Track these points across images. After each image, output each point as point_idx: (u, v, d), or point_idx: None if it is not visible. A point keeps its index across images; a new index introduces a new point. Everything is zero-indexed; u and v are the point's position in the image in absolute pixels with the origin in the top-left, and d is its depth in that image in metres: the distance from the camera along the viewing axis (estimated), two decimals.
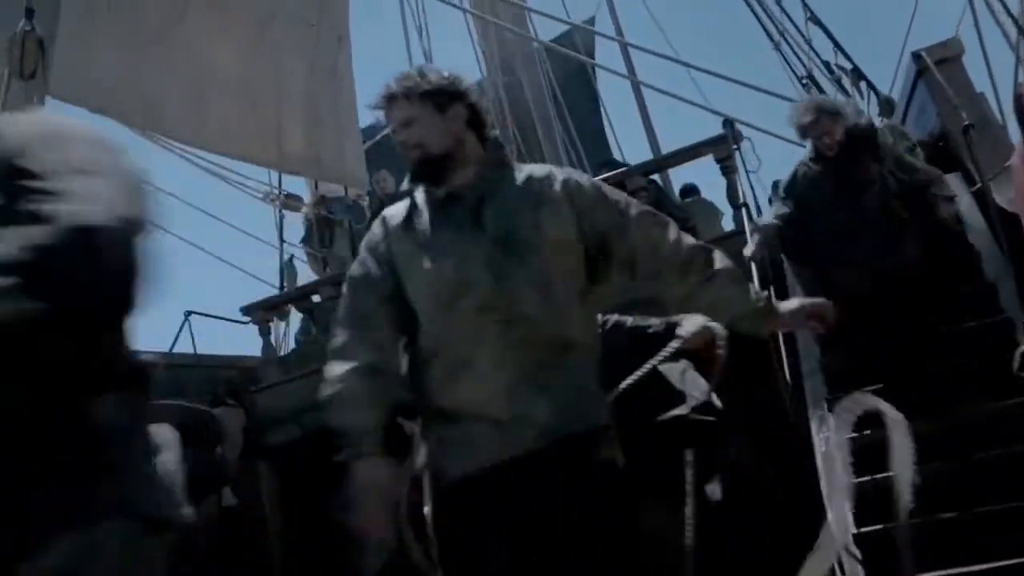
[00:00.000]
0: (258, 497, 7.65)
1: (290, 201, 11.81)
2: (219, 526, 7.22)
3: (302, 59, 12.25)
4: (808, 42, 10.29)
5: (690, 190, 10.79)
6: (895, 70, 8.36)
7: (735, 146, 6.90)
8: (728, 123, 6.64)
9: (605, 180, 8.00)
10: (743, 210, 6.26)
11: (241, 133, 11.70)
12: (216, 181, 11.40)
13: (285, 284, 11.58)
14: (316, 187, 12.20)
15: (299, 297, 8.23)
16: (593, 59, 14.55)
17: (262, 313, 8.03)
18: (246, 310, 8.08)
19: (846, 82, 9.71)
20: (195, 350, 8.01)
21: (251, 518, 7.49)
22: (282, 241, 11.74)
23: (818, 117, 4.83)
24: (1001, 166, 5.61)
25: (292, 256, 11.76)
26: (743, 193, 6.40)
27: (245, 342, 8.47)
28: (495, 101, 10.34)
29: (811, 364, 5.18)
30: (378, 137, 15.70)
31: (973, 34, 6.41)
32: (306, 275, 11.70)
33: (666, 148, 11.06)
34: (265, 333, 8.08)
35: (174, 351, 8.08)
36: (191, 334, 8.01)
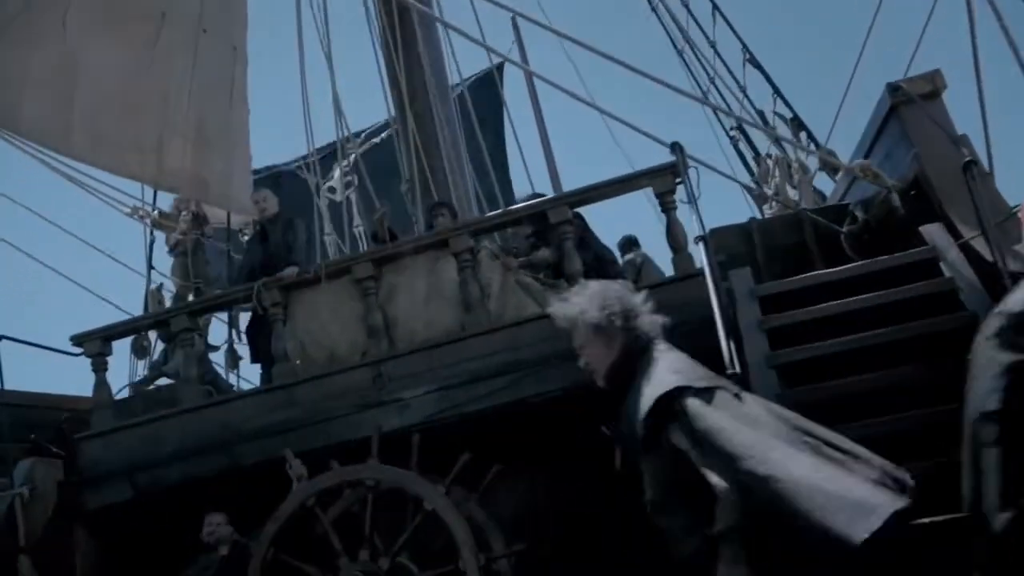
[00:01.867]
0: (70, 571, 6.15)
1: (164, 220, 10.35)
2: None
3: (193, 67, 10.91)
4: (743, 88, 9.48)
5: (630, 243, 9.56)
6: (835, 114, 7.54)
7: (680, 179, 5.88)
8: (676, 148, 5.59)
9: (527, 209, 6.94)
10: (702, 244, 5.19)
11: (115, 143, 10.26)
12: (75, 193, 9.82)
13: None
14: (196, 206, 10.76)
15: (141, 327, 6.86)
16: (503, 104, 13.68)
17: (97, 344, 6.60)
18: (77, 339, 6.64)
19: (785, 131, 8.90)
20: (1, 384, 6.49)
21: None
22: (150, 266, 10.26)
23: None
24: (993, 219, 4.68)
25: (161, 284, 10.25)
26: (699, 224, 5.34)
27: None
28: (405, 138, 9.13)
29: None
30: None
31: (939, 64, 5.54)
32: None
33: None
34: (99, 368, 6.65)
35: None
36: None
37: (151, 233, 10.30)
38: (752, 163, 9.64)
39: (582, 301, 2.95)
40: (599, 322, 2.89)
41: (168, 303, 10.20)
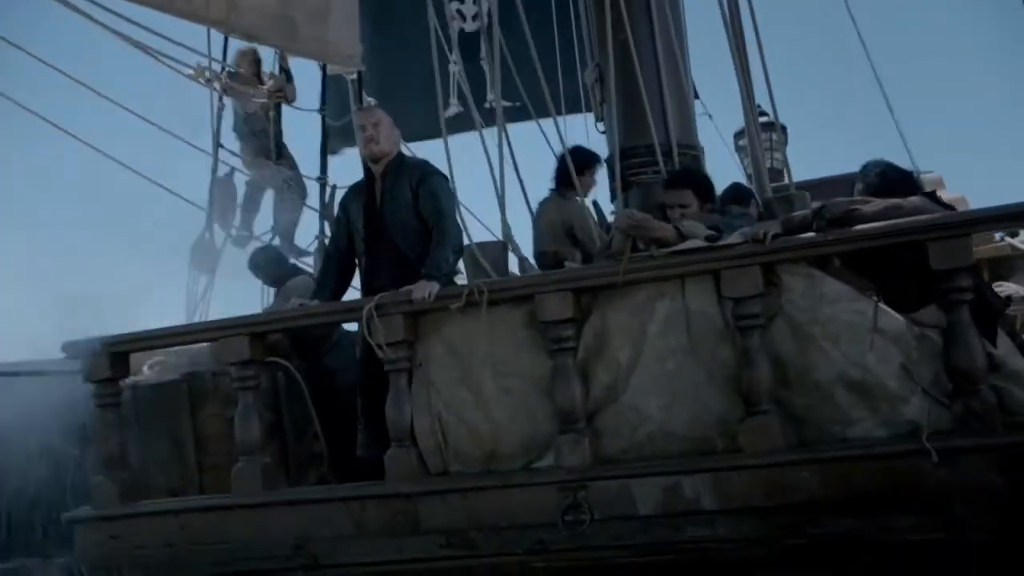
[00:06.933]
0: None
1: (236, 83, 7.47)
2: None
3: None
4: None
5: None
6: None
7: None
8: None
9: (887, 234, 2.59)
10: None
11: None
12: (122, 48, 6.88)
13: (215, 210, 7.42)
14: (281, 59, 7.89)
15: (175, 341, 4.22)
16: None
17: (104, 362, 4.02)
18: (70, 351, 4.06)
19: None
20: None
21: None
22: (217, 144, 7.49)
23: None
24: None
25: (232, 170, 7.55)
26: None
27: None
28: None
29: None
30: None
31: None
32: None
33: None
34: (106, 403, 4.08)
35: None
36: None
37: (220, 100, 7.46)
38: None
39: None
40: None
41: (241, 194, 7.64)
